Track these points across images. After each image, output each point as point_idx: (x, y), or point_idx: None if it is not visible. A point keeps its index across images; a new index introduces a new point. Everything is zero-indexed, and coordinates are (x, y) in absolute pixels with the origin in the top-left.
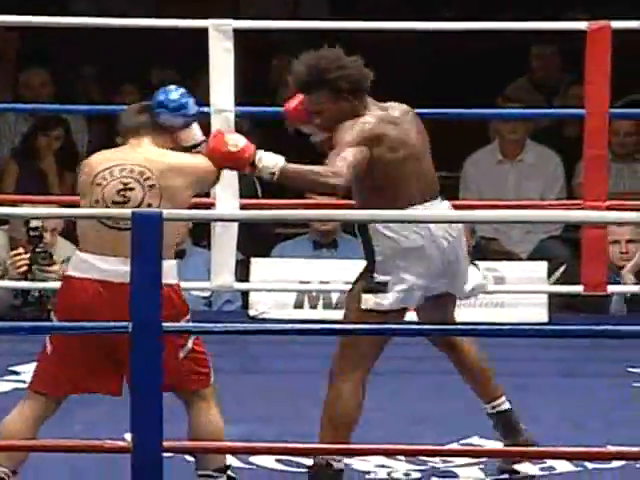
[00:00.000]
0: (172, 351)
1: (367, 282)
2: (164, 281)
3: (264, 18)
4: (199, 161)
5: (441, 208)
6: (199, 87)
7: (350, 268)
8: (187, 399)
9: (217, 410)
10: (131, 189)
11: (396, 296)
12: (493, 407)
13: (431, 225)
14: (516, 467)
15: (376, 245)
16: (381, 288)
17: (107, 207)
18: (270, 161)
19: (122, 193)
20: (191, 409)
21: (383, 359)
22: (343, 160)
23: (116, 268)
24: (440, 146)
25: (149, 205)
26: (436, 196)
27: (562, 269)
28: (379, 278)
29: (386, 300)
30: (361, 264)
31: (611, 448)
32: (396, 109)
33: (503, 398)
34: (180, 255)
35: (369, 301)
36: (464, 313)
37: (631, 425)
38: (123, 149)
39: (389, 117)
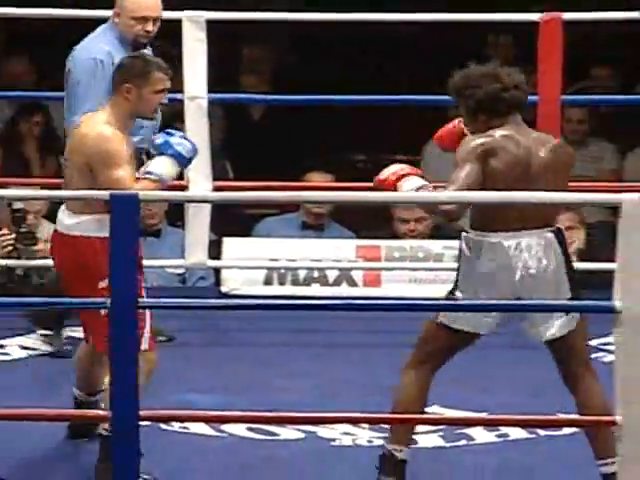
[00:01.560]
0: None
1: (447, 295)
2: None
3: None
4: (103, 155)
5: (537, 242)
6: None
7: (324, 249)
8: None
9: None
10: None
11: (466, 318)
12: (599, 465)
13: (512, 253)
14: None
15: (462, 262)
16: None
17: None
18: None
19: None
20: None
21: (351, 332)
22: (456, 183)
23: (62, 219)
24: (401, 131)
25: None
26: (541, 227)
27: None
28: (457, 294)
29: (457, 319)
30: (338, 247)
31: (562, 416)
32: (534, 137)
33: (609, 460)
34: (156, 234)
35: (441, 314)
36: (422, 289)
37: None
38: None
39: (513, 137)
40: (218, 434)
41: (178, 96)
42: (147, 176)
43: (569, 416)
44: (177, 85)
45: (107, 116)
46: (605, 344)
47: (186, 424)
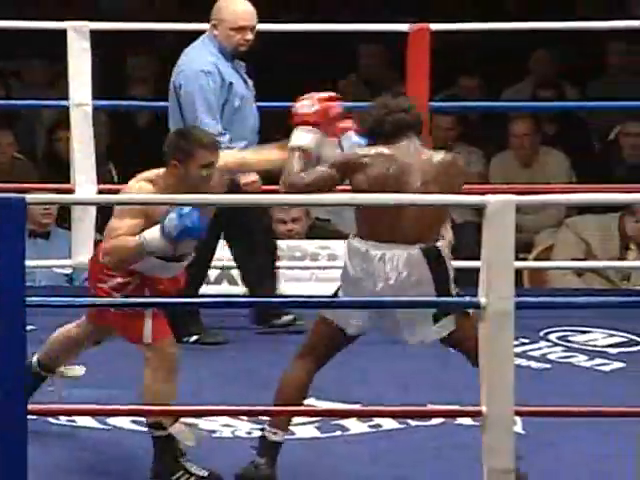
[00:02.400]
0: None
1: (333, 294)
2: None
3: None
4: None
5: (401, 255)
6: (59, 83)
7: None
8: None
9: (158, 372)
10: None
11: (338, 316)
12: None
13: (376, 262)
14: None
15: (344, 265)
16: None
17: None
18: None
19: None
20: None
21: (230, 329)
22: (309, 175)
23: None
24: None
25: None
26: (411, 243)
27: None
28: (339, 293)
29: (333, 312)
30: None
31: (432, 407)
32: (423, 158)
33: None
34: (45, 236)
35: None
36: (299, 287)
37: (451, 387)
38: None
39: (389, 155)
40: (103, 427)
41: (63, 103)
42: None
43: (438, 407)
44: (63, 92)
45: (154, 187)
46: None
47: (73, 417)
